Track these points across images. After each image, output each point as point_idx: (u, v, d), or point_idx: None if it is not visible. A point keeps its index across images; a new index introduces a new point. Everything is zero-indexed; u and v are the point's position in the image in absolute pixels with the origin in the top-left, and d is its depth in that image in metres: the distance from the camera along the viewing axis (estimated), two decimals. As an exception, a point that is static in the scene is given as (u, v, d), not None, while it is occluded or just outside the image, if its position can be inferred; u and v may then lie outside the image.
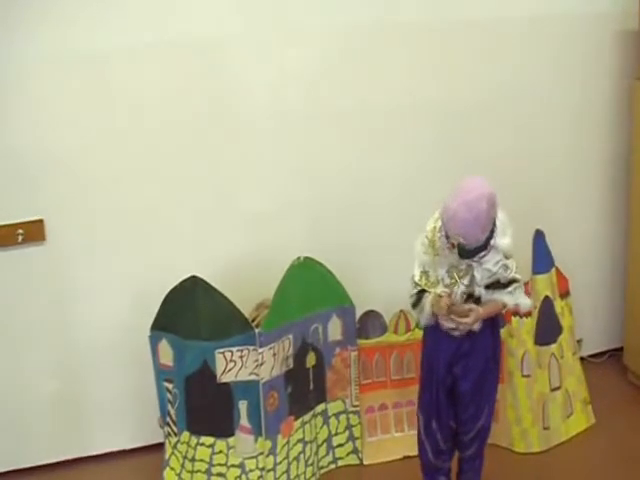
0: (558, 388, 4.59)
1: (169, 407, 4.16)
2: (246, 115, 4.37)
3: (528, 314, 4.37)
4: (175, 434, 4.18)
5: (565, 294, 4.65)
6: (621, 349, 5.25)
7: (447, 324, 3.66)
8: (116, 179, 4.22)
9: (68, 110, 4.09)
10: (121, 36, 4.08)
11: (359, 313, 4.42)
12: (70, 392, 4.36)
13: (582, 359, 4.97)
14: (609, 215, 5.28)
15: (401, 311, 4.50)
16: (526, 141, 4.91)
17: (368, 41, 4.49)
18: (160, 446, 4.28)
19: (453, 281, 3.57)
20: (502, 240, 3.46)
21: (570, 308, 4.71)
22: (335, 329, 4.33)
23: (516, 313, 4.32)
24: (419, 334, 4.45)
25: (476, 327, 3.63)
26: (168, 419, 4.18)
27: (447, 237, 3.36)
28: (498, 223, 3.46)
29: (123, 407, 4.45)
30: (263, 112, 4.38)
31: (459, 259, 3.47)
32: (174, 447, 4.19)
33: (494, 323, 3.77)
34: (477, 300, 3.57)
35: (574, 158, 5.09)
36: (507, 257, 3.52)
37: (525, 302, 3.69)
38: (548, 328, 4.54)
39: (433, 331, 3.77)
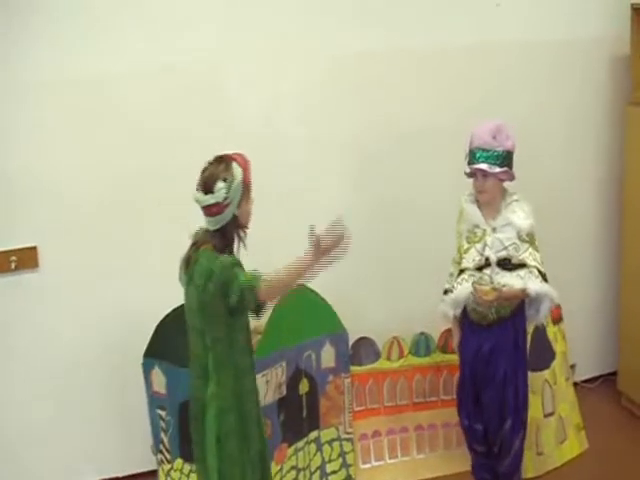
0: (551, 414, 4.59)
1: (162, 434, 4.16)
2: (239, 139, 4.37)
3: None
4: (168, 461, 4.17)
5: (558, 320, 4.66)
6: (615, 374, 5.25)
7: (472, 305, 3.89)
8: (110, 206, 4.23)
9: (61, 137, 4.11)
10: (117, 61, 4.11)
11: (352, 340, 4.42)
12: (62, 419, 4.35)
13: (576, 384, 4.97)
14: (602, 241, 5.30)
15: (394, 337, 4.51)
16: (519, 164, 4.91)
17: (359, 67, 4.54)
18: (153, 473, 4.28)
19: (469, 245, 3.87)
20: (521, 221, 3.82)
21: (563, 334, 4.72)
22: (328, 356, 4.33)
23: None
24: (412, 360, 4.51)
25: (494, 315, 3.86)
26: (161, 446, 4.17)
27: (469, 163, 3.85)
28: (520, 205, 3.84)
29: (115, 434, 4.44)
30: (254, 136, 4.38)
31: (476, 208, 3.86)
32: (167, 474, 4.18)
33: (515, 322, 3.91)
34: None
35: (567, 182, 5.11)
36: (522, 240, 3.82)
37: (534, 286, 3.77)
38: (541, 354, 4.55)
39: (463, 327, 4.01)
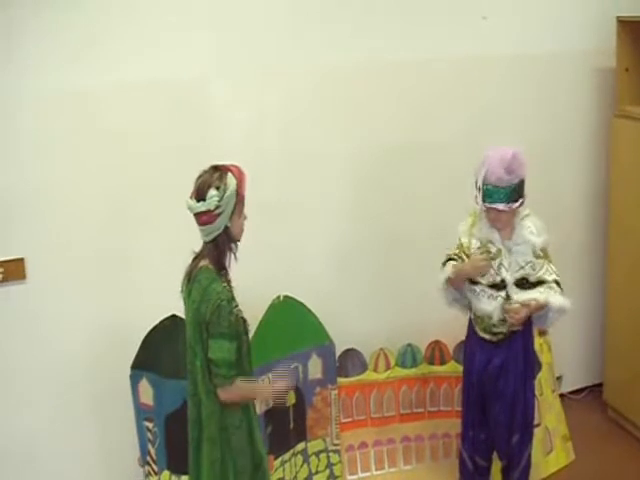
0: (538, 425, 4.59)
1: (149, 446, 4.15)
2: (225, 154, 4.38)
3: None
4: (155, 473, 4.17)
5: (544, 331, 4.67)
6: (601, 385, 5.28)
7: (482, 334, 3.92)
8: (97, 217, 4.23)
9: (49, 149, 4.10)
10: (105, 76, 4.11)
11: (339, 351, 4.44)
12: (50, 429, 4.33)
13: (562, 395, 5.00)
14: (588, 252, 5.33)
15: (381, 349, 4.52)
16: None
17: (345, 81, 4.55)
18: (140, 485, 4.28)
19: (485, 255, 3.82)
20: (534, 237, 3.82)
21: (549, 345, 4.73)
22: (315, 368, 4.35)
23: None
24: (399, 372, 4.53)
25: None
26: (148, 458, 4.17)
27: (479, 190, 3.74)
28: (531, 220, 3.83)
29: (102, 446, 4.42)
30: (241, 151, 4.38)
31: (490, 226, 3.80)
32: (154, 486, 4.19)
33: (525, 337, 3.95)
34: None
35: (552, 193, 5.13)
36: (538, 257, 3.83)
37: (555, 300, 3.81)
38: (527, 365, 4.56)
39: (470, 341, 4.02)
